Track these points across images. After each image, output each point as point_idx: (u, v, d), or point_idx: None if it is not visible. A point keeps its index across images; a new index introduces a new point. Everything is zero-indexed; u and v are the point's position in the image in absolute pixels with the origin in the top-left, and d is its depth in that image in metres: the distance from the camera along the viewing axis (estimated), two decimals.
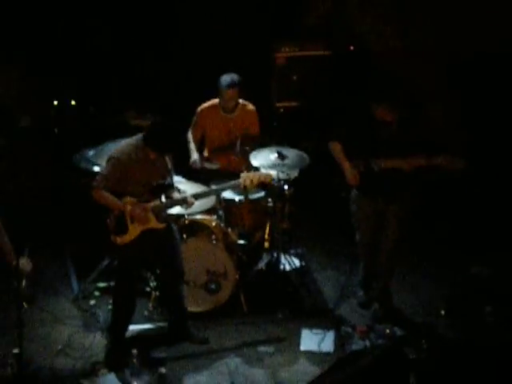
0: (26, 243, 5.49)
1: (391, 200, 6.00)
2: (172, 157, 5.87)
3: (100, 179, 5.59)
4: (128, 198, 5.63)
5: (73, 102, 8.48)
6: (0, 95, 8.07)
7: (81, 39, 8.35)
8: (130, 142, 5.69)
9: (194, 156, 6.86)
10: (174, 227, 6.00)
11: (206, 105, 6.94)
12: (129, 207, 5.63)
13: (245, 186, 5.98)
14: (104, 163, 5.76)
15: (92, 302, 6.59)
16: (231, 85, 6.64)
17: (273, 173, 6.29)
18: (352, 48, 8.75)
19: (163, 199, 5.81)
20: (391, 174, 5.87)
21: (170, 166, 5.77)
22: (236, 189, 6.30)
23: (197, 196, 5.92)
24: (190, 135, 6.96)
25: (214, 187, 6.17)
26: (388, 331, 6.04)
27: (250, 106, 6.95)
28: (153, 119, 5.70)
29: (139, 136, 5.66)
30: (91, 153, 6.77)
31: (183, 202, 5.85)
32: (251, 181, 5.86)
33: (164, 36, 8.53)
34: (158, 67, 8.50)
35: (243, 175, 5.93)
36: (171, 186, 5.87)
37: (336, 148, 6.07)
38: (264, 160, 6.51)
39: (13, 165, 5.77)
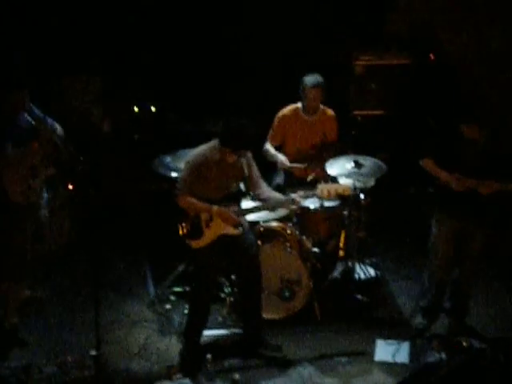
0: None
1: (481, 221, 5.94)
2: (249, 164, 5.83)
3: (181, 185, 5.62)
4: (215, 207, 5.69)
5: (153, 109, 8.54)
6: (82, 102, 8.23)
7: (161, 47, 8.47)
8: (206, 146, 5.72)
9: (281, 157, 6.81)
10: (251, 234, 6.00)
11: (285, 110, 6.93)
12: (215, 207, 5.64)
13: (321, 198, 5.97)
14: (182, 168, 5.83)
15: (168, 306, 6.60)
16: (316, 84, 6.63)
17: (350, 183, 6.26)
18: (432, 57, 8.69)
19: (241, 205, 5.84)
20: (477, 194, 5.82)
21: (246, 172, 5.75)
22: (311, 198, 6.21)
23: (273, 206, 5.99)
24: (268, 146, 6.92)
25: (289, 197, 6.02)
26: (465, 344, 5.95)
27: (330, 112, 6.94)
28: (225, 119, 5.71)
29: (215, 139, 5.68)
30: (168, 159, 6.80)
31: (285, 204, 5.86)
32: (328, 192, 5.80)
33: (241, 43, 8.57)
34: (237, 76, 8.57)
35: (320, 186, 5.86)
36: (245, 193, 5.90)
37: (429, 163, 6.02)
38: (340, 168, 6.46)
39: (94, 169, 5.65)
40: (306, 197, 5.92)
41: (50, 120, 5.81)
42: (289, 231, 6.52)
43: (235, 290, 6.32)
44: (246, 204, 6.00)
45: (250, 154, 5.74)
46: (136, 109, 8.49)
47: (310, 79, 6.63)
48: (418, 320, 6.33)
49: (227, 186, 5.74)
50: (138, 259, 7.35)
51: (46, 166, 5.75)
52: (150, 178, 6.97)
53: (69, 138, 5.81)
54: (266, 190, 5.90)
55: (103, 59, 8.18)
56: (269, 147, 6.86)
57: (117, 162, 7.38)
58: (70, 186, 6.09)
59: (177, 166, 6.56)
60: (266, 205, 5.85)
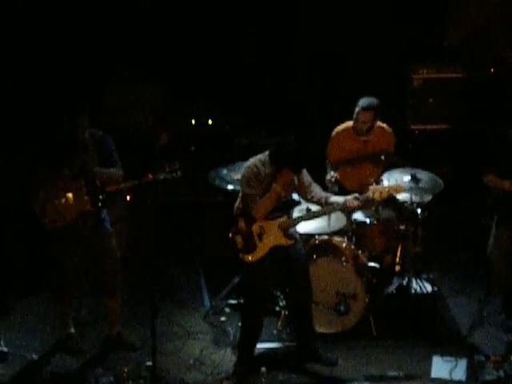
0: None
1: None
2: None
3: (252, 203, 5.63)
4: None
5: (209, 122, 8.53)
6: (140, 114, 8.31)
7: (220, 59, 8.48)
8: (257, 158, 5.70)
9: (331, 173, 6.70)
10: (302, 245, 5.95)
11: (340, 127, 6.88)
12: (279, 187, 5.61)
13: (373, 199, 5.80)
14: (239, 183, 5.87)
15: (223, 319, 6.59)
16: (367, 108, 6.56)
17: (407, 197, 6.19)
18: (492, 71, 8.59)
19: (292, 215, 5.81)
20: None
21: (295, 181, 5.70)
22: (365, 204, 6.06)
23: (326, 212, 5.88)
24: (330, 176, 6.72)
25: (343, 199, 5.94)
26: None
27: (387, 128, 6.85)
28: (278, 138, 5.69)
29: (266, 152, 5.69)
30: (225, 171, 6.79)
31: (339, 206, 5.75)
32: (380, 193, 5.71)
33: (298, 57, 8.57)
34: (295, 90, 8.57)
35: (372, 188, 5.78)
36: (298, 203, 5.85)
37: (491, 178, 6.00)
38: (397, 182, 6.38)
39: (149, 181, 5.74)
40: (359, 199, 5.79)
41: (108, 141, 5.88)
42: (344, 245, 6.46)
43: (288, 302, 6.28)
44: (299, 212, 6.02)
45: None
46: (193, 121, 8.52)
47: (363, 101, 6.57)
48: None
49: (279, 197, 5.75)
50: (194, 271, 7.35)
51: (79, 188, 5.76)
52: (206, 190, 6.98)
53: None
54: (319, 192, 5.85)
55: (162, 70, 8.31)
56: (332, 179, 6.68)
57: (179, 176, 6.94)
58: (128, 198, 6.07)
59: (233, 178, 6.61)
60: (321, 210, 5.81)
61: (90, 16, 8.00)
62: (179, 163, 5.73)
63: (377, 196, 5.70)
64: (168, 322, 6.50)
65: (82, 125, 5.68)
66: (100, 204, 5.75)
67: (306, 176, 5.79)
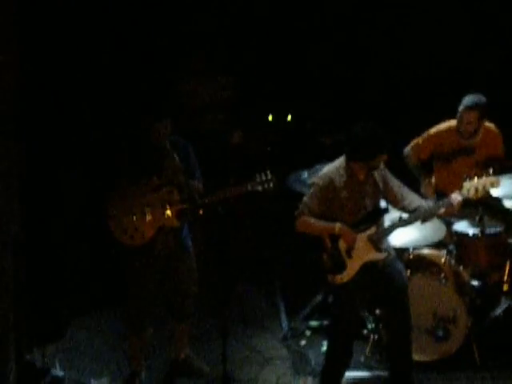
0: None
1: None
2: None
3: (302, 207, 5.33)
4: (337, 223, 5.31)
5: (289, 117, 8.18)
6: (209, 108, 7.97)
7: (298, 50, 8.16)
8: (332, 165, 5.41)
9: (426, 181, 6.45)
10: (398, 260, 5.62)
11: (442, 126, 6.44)
12: (338, 225, 5.28)
13: (468, 198, 5.44)
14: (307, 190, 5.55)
15: (303, 343, 6.30)
16: (470, 107, 6.15)
17: (499, 180, 5.56)
18: None
19: (383, 225, 5.47)
20: None
21: (381, 186, 5.37)
22: (466, 212, 5.84)
23: (422, 217, 5.45)
24: (408, 150, 6.49)
25: (431, 205, 5.52)
26: None
27: (493, 128, 6.40)
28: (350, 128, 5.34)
29: (342, 157, 5.36)
30: (306, 174, 6.51)
31: (436, 209, 5.41)
32: (476, 190, 5.33)
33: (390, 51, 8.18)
34: (390, 84, 8.20)
35: (466, 185, 5.37)
36: (386, 210, 5.46)
37: None
38: (507, 188, 6.09)
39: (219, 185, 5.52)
40: (459, 197, 5.40)
41: (190, 150, 5.66)
42: (443, 260, 6.07)
43: (380, 325, 5.95)
44: (392, 221, 5.63)
45: (382, 165, 5.37)
46: (270, 117, 8.17)
47: (467, 100, 6.19)
48: None
49: (362, 206, 5.38)
50: (270, 289, 7.10)
51: (163, 205, 5.47)
52: (285, 196, 6.49)
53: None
54: (414, 200, 5.48)
55: (233, 61, 8.05)
56: (410, 154, 6.46)
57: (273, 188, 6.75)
58: (201, 212, 5.69)
59: None
60: (413, 216, 5.40)
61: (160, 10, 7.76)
62: (272, 173, 5.46)
63: (472, 193, 5.33)
64: (241, 345, 6.29)
65: (165, 130, 5.44)
66: (187, 218, 5.51)
67: (393, 180, 5.47)
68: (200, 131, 7.67)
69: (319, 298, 6.49)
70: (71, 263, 6.68)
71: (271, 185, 5.48)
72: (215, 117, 7.98)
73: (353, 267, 5.39)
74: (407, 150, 6.51)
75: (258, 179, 5.48)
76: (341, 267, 5.39)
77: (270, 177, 5.47)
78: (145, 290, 5.58)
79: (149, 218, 5.43)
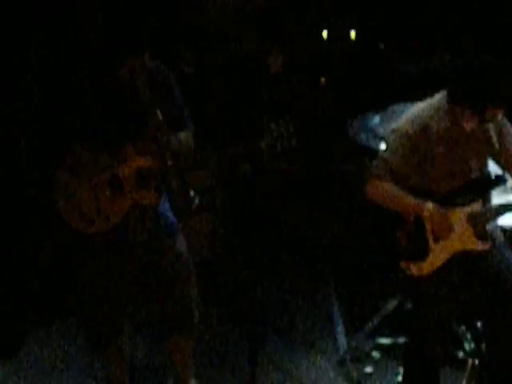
0: None
1: None
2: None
3: (378, 165, 4.58)
4: (429, 204, 4.54)
5: (352, 35, 7.06)
6: (237, 25, 6.83)
7: None
8: (427, 104, 4.61)
9: None
10: (509, 251, 4.71)
11: None
12: (430, 205, 4.50)
13: None
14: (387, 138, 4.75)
15: (368, 370, 5.38)
16: None
17: None
18: None
19: (491, 201, 4.66)
20: None
21: (496, 145, 4.58)
22: None
23: None
24: None
25: None
26: None
27: None
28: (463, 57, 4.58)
29: (442, 93, 4.55)
30: (376, 119, 5.63)
31: None
32: None
33: None
34: None
35: None
36: (502, 180, 4.69)
37: None
38: None
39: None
40: None
41: (172, 83, 4.62)
42: None
43: (482, 345, 5.17)
44: (504, 198, 4.97)
45: (501, 115, 4.53)
46: (325, 33, 6.98)
47: None
48: None
49: (464, 169, 4.59)
50: (322, 295, 6.13)
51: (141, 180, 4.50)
52: (343, 152, 6.05)
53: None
54: None
55: None
56: None
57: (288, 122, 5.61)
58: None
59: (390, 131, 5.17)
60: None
61: None
62: (293, 124, 4.49)
63: None
64: (277, 370, 5.42)
65: (142, 69, 4.41)
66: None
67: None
68: (219, 57, 6.70)
69: (391, 305, 5.58)
70: (18, 263, 5.92)
71: (292, 143, 4.48)
72: (242, 34, 6.95)
73: (439, 256, 4.58)
74: None
75: (275, 132, 4.47)
76: (421, 253, 4.60)
77: (291, 130, 4.46)
78: (120, 292, 4.66)
79: (114, 194, 4.47)
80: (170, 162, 4.49)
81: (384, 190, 4.58)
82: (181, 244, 4.71)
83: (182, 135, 4.60)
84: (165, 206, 4.66)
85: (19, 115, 6.05)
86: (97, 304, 4.70)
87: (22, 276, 5.98)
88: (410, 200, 4.54)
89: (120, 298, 4.73)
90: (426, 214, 4.49)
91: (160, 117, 4.49)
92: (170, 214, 4.72)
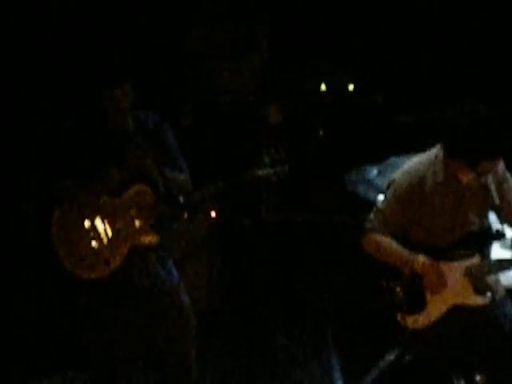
0: None
1: None
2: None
3: (374, 218, 4.57)
4: (421, 258, 4.52)
5: (350, 87, 7.18)
6: (241, 85, 7.10)
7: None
8: (423, 159, 4.60)
9: None
10: (509, 305, 4.62)
11: None
12: (421, 259, 4.46)
13: None
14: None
15: None
16: None
17: None
18: None
19: (490, 255, 4.57)
20: None
21: (495, 197, 4.50)
22: None
23: None
24: None
25: None
26: None
27: None
28: (458, 109, 4.49)
29: (437, 147, 4.55)
30: (374, 171, 5.62)
31: None
32: None
33: None
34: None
35: None
36: (501, 235, 4.59)
37: None
38: None
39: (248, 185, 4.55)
40: None
41: (167, 130, 4.54)
42: None
43: None
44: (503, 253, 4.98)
45: (501, 165, 4.56)
46: (323, 87, 7.17)
47: None
48: None
49: (463, 222, 4.51)
50: (319, 339, 6.14)
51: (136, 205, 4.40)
52: (342, 202, 6.16)
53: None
54: None
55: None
56: None
57: (288, 172, 5.81)
58: (213, 213, 5.02)
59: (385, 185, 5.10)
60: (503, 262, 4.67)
61: None
62: (284, 151, 4.53)
63: None
64: None
65: (125, 99, 4.29)
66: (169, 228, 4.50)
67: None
68: (219, 108, 6.81)
69: (391, 356, 5.57)
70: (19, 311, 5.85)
71: (286, 167, 4.50)
72: (242, 86, 7.13)
73: (436, 309, 4.52)
74: None
75: (267, 160, 4.48)
76: (418, 306, 4.54)
77: (282, 155, 4.48)
78: (120, 344, 4.45)
79: (112, 234, 4.36)
80: (161, 189, 4.40)
81: (379, 244, 4.56)
82: (184, 296, 4.57)
83: (181, 176, 4.52)
84: (169, 263, 4.54)
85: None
86: (101, 353, 4.53)
87: (22, 325, 5.86)
88: (402, 253, 4.50)
89: (123, 346, 4.53)
90: (416, 266, 4.46)
91: (145, 150, 4.40)
92: (173, 268, 4.58)
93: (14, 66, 5.98)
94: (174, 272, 4.57)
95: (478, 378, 4.99)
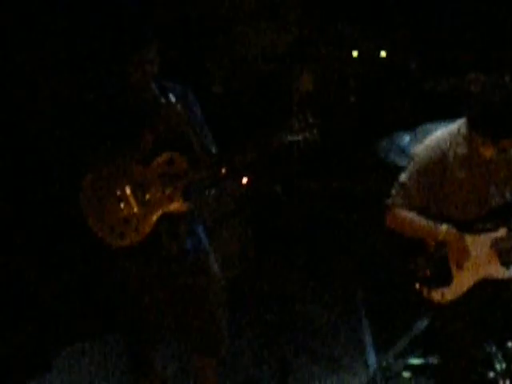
0: None
1: None
2: None
3: (396, 192, 4.55)
4: (444, 226, 4.49)
5: (382, 53, 7.01)
6: (272, 53, 6.89)
7: None
8: (447, 131, 4.56)
9: None
10: None
11: None
12: (444, 228, 4.43)
13: None
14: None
15: None
16: None
17: None
18: None
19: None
20: None
21: None
22: None
23: None
24: None
25: None
26: None
27: None
28: (483, 81, 4.48)
29: (463, 120, 4.47)
30: (407, 139, 5.54)
31: None
32: None
33: None
34: None
35: None
36: None
37: None
38: None
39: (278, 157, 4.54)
40: None
41: (194, 99, 4.45)
42: None
43: None
44: None
45: None
46: (355, 54, 6.98)
47: None
48: None
49: (485, 197, 4.53)
50: (350, 309, 6.02)
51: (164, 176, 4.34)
52: (373, 170, 5.96)
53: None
54: None
55: None
56: None
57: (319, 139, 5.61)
58: (245, 180, 4.93)
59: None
60: None
61: None
62: (315, 117, 4.40)
63: None
64: None
65: (151, 65, 4.18)
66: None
67: None
68: (250, 76, 6.69)
69: (422, 324, 5.49)
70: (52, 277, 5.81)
71: (315, 132, 4.39)
72: (273, 53, 6.94)
73: (462, 283, 4.53)
74: None
75: (297, 125, 4.37)
76: (444, 280, 4.57)
77: (311, 120, 4.37)
78: (149, 310, 4.46)
79: (142, 203, 4.31)
80: (197, 149, 4.36)
81: (403, 219, 4.54)
82: (213, 264, 4.57)
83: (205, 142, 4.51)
84: (199, 228, 4.52)
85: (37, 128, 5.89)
86: (133, 318, 4.54)
87: (54, 292, 5.85)
88: (426, 224, 4.50)
89: (154, 313, 4.55)
90: (440, 237, 4.47)
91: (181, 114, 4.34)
92: (203, 235, 4.57)
93: (37, 36, 5.85)
94: (204, 239, 4.55)
95: (510, 344, 4.97)
